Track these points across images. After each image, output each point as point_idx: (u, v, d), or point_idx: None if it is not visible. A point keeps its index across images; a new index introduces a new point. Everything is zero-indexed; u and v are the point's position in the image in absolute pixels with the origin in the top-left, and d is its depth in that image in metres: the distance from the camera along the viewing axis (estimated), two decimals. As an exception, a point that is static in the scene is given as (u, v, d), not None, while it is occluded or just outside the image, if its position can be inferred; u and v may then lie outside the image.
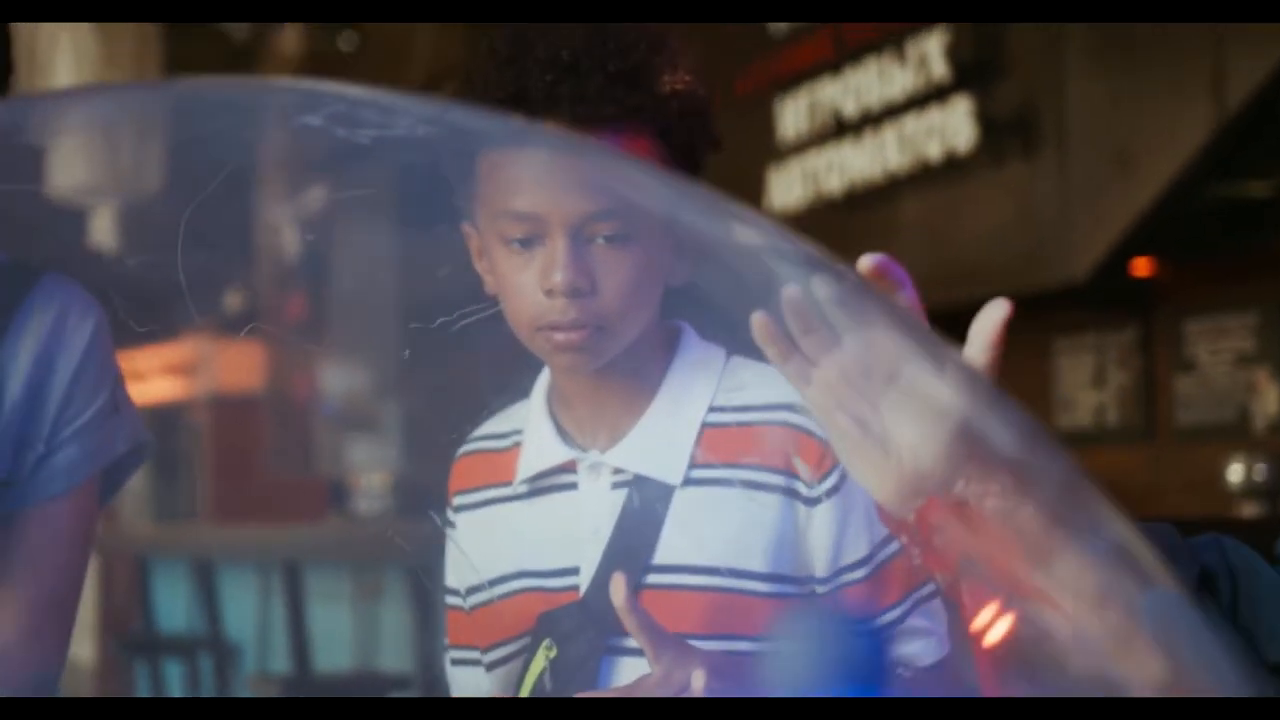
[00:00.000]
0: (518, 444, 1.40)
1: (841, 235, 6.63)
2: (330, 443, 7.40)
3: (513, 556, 1.37)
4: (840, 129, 6.56)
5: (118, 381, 1.49)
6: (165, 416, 8.14)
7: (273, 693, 3.99)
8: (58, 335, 1.45)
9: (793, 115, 6.83)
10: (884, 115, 6.34)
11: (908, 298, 1.01)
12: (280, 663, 4.95)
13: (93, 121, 0.88)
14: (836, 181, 6.57)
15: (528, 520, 1.37)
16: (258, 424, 7.60)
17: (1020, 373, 6.69)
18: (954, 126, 6.02)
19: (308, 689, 4.13)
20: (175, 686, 5.44)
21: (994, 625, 0.86)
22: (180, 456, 7.92)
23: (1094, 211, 5.62)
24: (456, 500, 1.44)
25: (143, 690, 5.70)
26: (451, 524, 1.44)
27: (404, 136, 0.82)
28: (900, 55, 6.25)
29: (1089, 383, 6.49)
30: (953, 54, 6.03)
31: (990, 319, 0.99)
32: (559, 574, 1.34)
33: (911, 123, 6.21)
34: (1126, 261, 5.81)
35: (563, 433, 1.37)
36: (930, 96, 6.13)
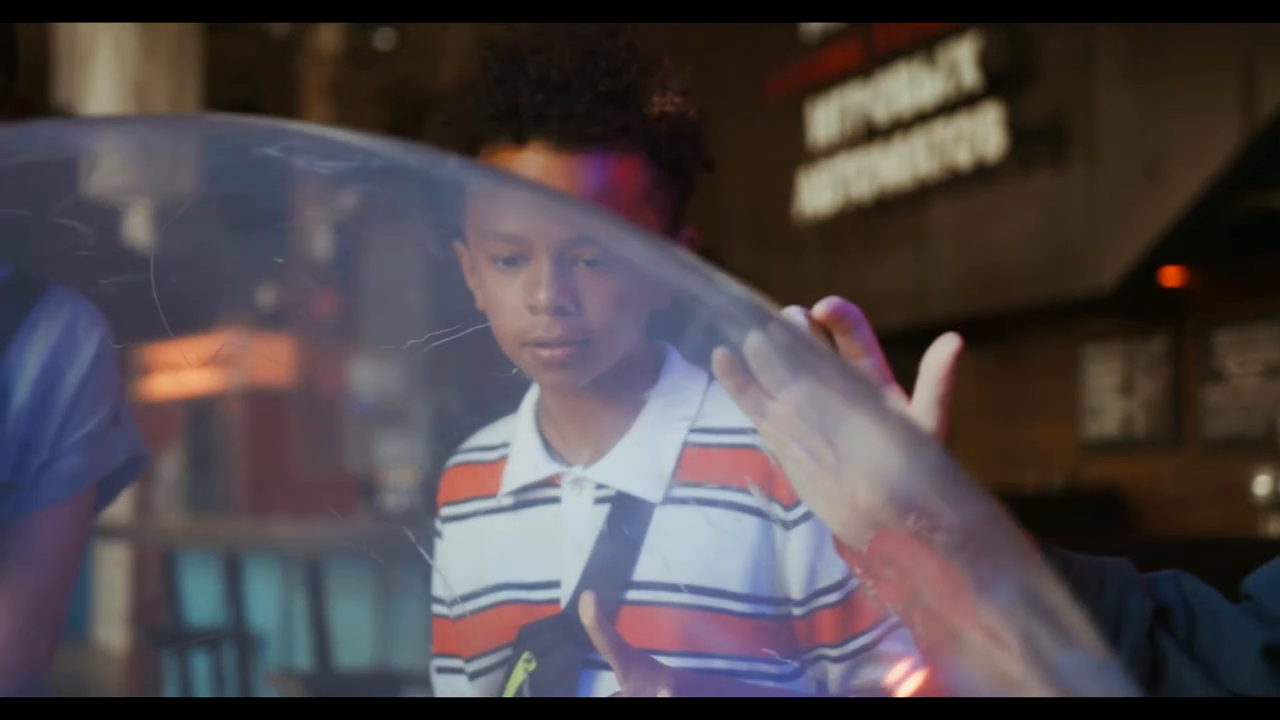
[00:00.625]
0: (504, 457, 1.42)
1: (871, 240, 6.63)
2: (360, 438, 7.45)
3: (497, 568, 1.39)
4: (871, 134, 6.56)
5: (119, 394, 1.52)
6: (198, 409, 8.21)
7: (292, 688, 4.03)
8: (65, 346, 1.48)
9: (824, 120, 6.83)
10: (914, 121, 6.34)
11: (864, 337, 1.03)
12: (305, 657, 4.99)
13: (76, 150, 0.91)
14: (866, 186, 6.56)
15: (512, 533, 1.40)
16: (289, 419, 7.65)
17: (1049, 380, 6.67)
18: (983, 134, 6.02)
19: (327, 684, 4.17)
20: (201, 677, 5.49)
21: (906, 680, 0.88)
22: (213, 450, 7.98)
23: (1123, 221, 5.61)
24: (444, 511, 1.46)
25: (170, 680, 5.75)
26: (439, 534, 1.47)
27: (360, 168, 0.86)
28: (931, 61, 6.25)
29: (1117, 391, 6.48)
30: (983, 61, 6.02)
31: (940, 354, 1.01)
32: (541, 587, 1.36)
33: (941, 129, 6.20)
34: (1155, 271, 5.80)
35: (548, 447, 1.39)
36: (960, 103, 6.13)
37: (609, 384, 1.34)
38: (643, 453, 1.35)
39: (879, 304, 6.54)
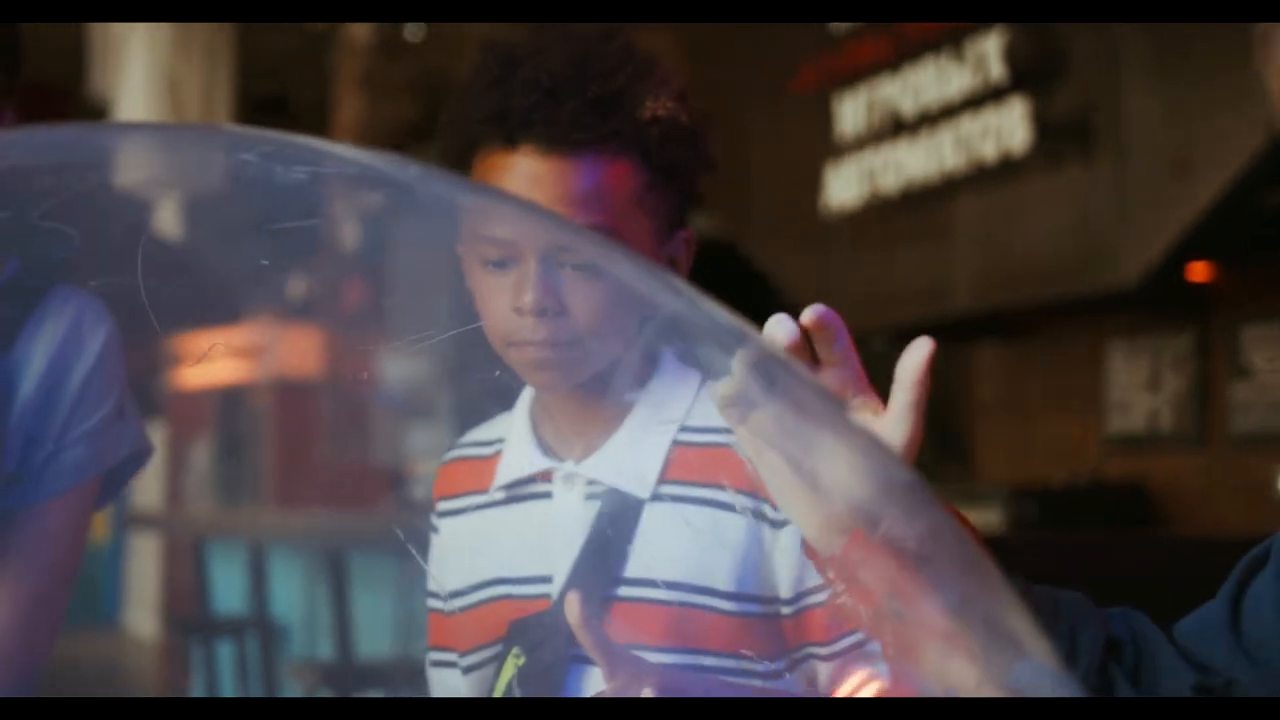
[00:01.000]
0: (500, 452, 1.44)
1: (897, 234, 6.63)
2: (388, 429, 7.48)
3: (490, 563, 1.41)
4: (897, 128, 6.55)
5: (124, 388, 1.54)
6: (229, 399, 8.27)
7: (312, 678, 4.06)
8: (72, 341, 1.50)
9: (851, 113, 6.83)
10: (941, 115, 6.33)
11: (843, 345, 1.04)
12: (330, 647, 5.02)
13: (58, 156, 0.93)
14: (893, 180, 6.56)
15: (506, 528, 1.42)
16: (318, 410, 7.70)
17: (1074, 375, 6.66)
18: (1009, 128, 6.00)
19: (348, 676, 4.20)
20: (228, 666, 5.53)
21: (868, 684, 0.90)
22: (243, 440, 8.04)
23: (1150, 216, 5.59)
24: (440, 506, 1.48)
25: (198, 669, 5.80)
26: (435, 529, 1.49)
27: (336, 174, 0.88)
28: (959, 55, 6.23)
29: (1144, 387, 6.46)
30: (1010, 55, 6.00)
31: (914, 358, 1.03)
32: (533, 581, 1.38)
33: (968, 123, 6.19)
34: (1182, 266, 5.78)
35: (542, 443, 1.41)
36: (987, 97, 6.11)
37: (601, 383, 1.36)
38: (633, 450, 1.36)
39: (905, 298, 6.54)
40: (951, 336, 6.72)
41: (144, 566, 9.66)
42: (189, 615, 6.38)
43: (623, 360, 1.37)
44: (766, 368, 0.96)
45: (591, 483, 1.37)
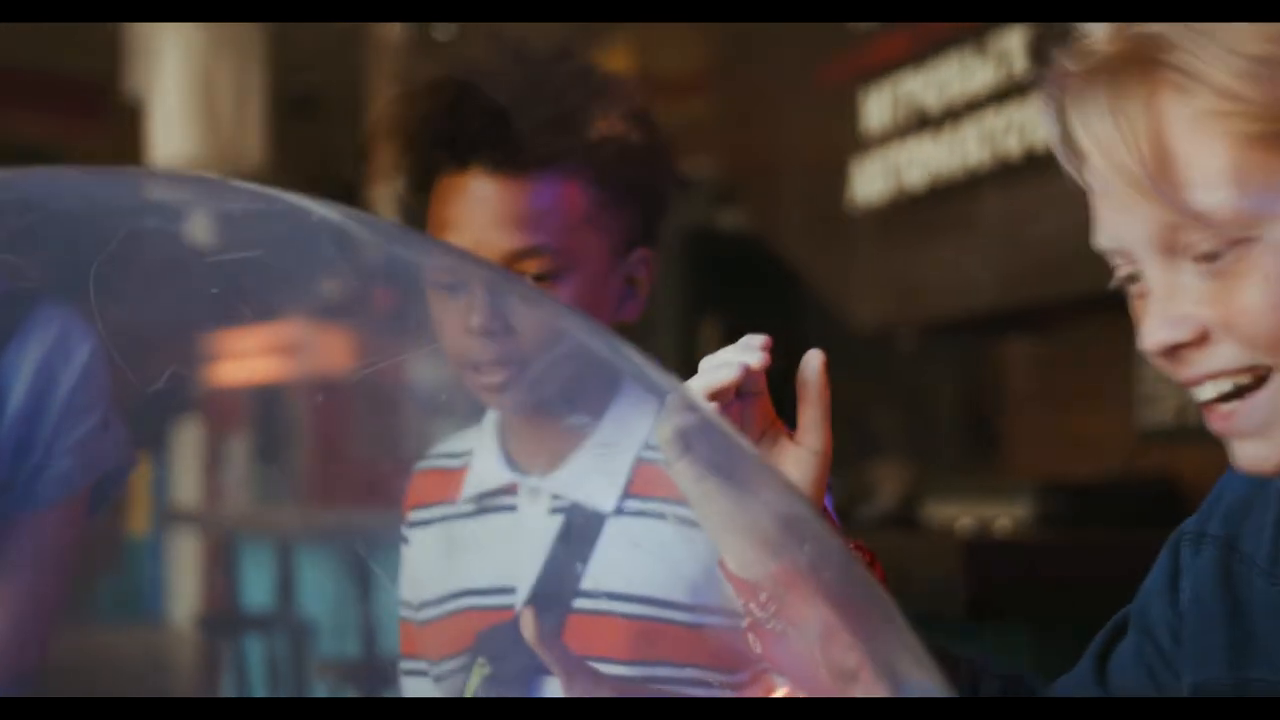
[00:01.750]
0: (468, 464, 1.47)
1: (923, 230, 6.62)
2: (419, 429, 7.51)
3: (458, 574, 1.44)
4: (922, 123, 6.54)
5: (109, 402, 1.58)
6: (264, 399, 8.32)
7: (333, 678, 4.09)
8: (59, 352, 1.54)
9: (876, 108, 6.82)
10: (965, 110, 6.31)
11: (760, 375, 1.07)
12: (355, 646, 5.06)
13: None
14: (918, 175, 6.54)
15: (471, 539, 1.45)
16: (353, 409, 7.73)
17: (1103, 369, 6.65)
18: (1033, 123, 5.98)
19: (372, 674, 4.23)
20: (256, 664, 5.58)
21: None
22: (278, 440, 8.10)
23: (1174, 209, 5.56)
24: (411, 516, 1.51)
25: (229, 666, 5.86)
26: (405, 540, 1.52)
27: (266, 210, 0.91)
28: (981, 50, 6.22)
29: (1172, 380, 6.43)
30: (1034, 50, 5.99)
31: (810, 370, 1.05)
32: (498, 592, 1.41)
33: (992, 118, 6.17)
34: (1208, 259, 5.75)
35: (508, 457, 1.44)
36: (1010, 92, 6.09)
37: (564, 400, 1.39)
38: (596, 465, 1.39)
39: (932, 293, 6.52)
40: (980, 331, 6.70)
41: (187, 562, 9.74)
42: (217, 612, 6.44)
43: (586, 378, 1.39)
44: (691, 416, 0.99)
45: (556, 497, 1.40)
